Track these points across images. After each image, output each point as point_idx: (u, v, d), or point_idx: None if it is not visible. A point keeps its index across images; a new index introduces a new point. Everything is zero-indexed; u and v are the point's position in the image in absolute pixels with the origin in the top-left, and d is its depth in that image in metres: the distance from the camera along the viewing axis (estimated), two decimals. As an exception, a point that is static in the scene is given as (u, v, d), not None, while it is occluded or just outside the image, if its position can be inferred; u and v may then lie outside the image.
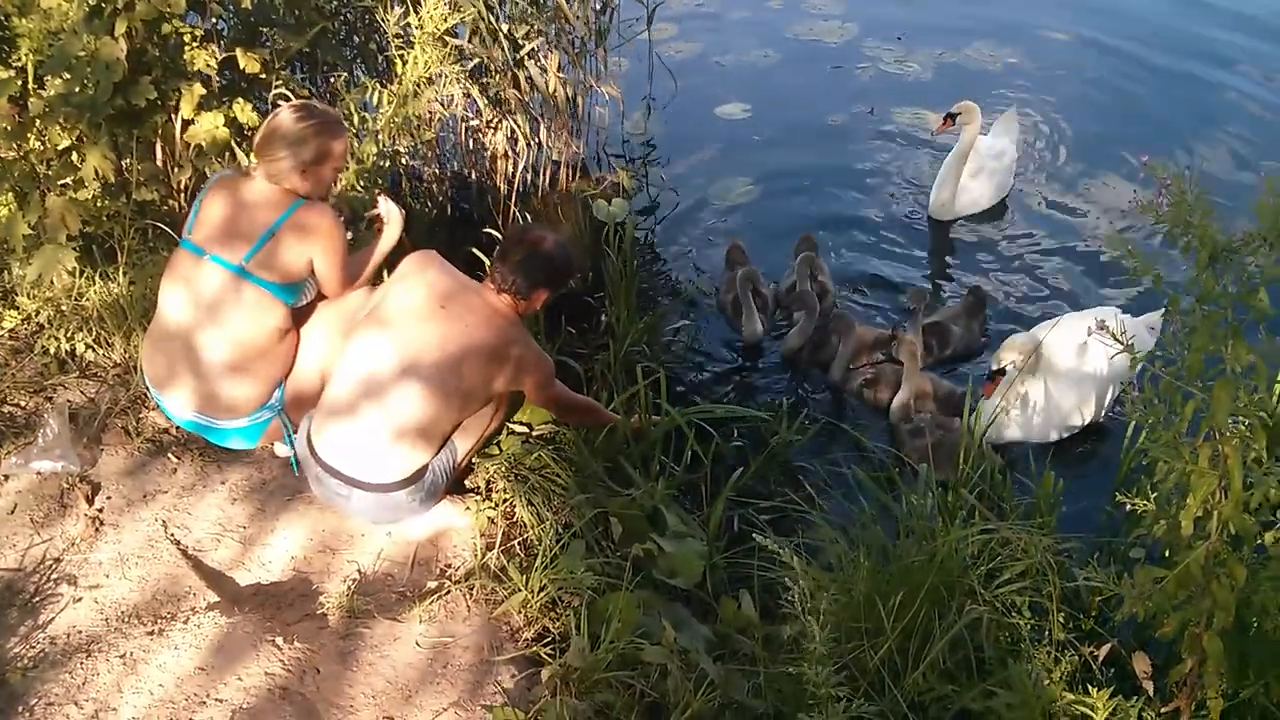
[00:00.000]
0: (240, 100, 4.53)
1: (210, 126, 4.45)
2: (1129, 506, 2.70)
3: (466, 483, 3.76)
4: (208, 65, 4.43)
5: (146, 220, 4.48)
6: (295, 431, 3.61)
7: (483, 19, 5.02)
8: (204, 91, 4.42)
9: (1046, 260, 5.62)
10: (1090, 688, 2.66)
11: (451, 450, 3.51)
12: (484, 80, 5.27)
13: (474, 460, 3.72)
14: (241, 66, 4.54)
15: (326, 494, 3.48)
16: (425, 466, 3.41)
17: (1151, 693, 2.66)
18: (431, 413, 3.33)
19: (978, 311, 5.01)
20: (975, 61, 7.69)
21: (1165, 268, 2.69)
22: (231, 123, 4.51)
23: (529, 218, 5.26)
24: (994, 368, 4.18)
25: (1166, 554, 2.69)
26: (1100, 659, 2.83)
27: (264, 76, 4.72)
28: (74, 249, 4.13)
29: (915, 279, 5.51)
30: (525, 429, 3.91)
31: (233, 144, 4.50)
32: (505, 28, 5.13)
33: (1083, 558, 3.12)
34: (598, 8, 5.62)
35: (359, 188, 4.66)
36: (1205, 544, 2.39)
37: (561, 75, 5.43)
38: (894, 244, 5.79)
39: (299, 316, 3.69)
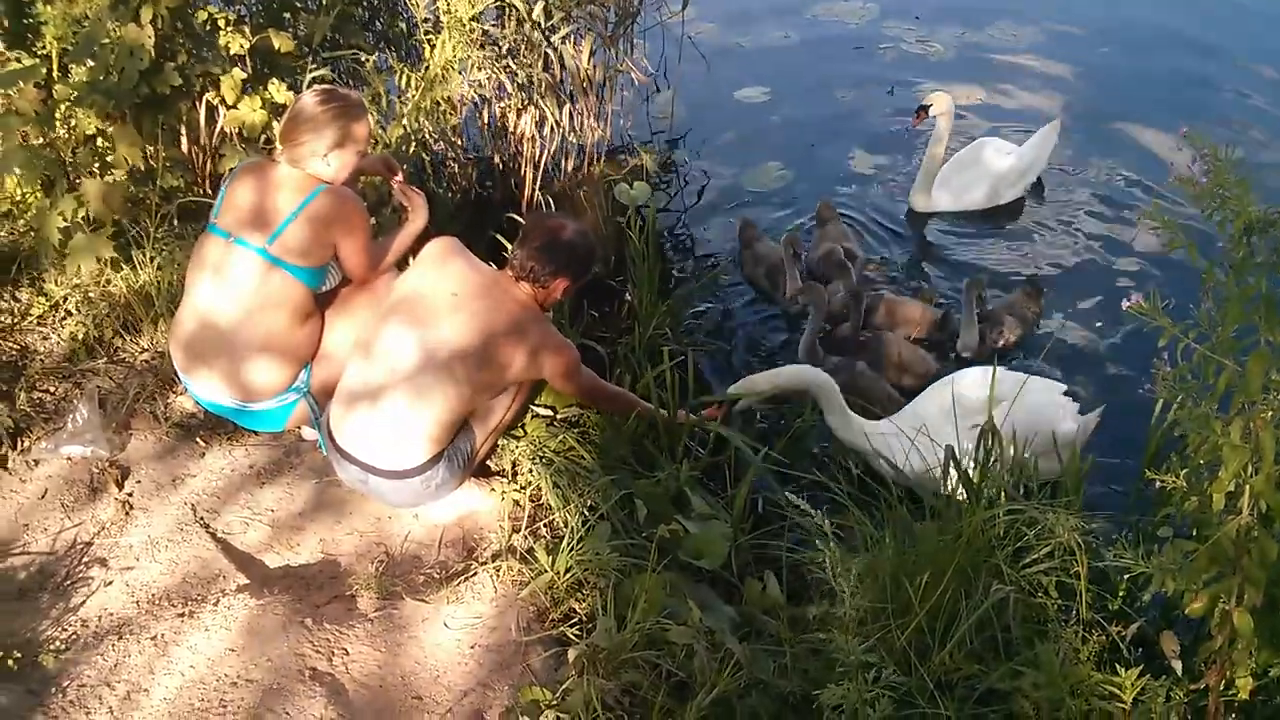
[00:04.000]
0: (274, 81, 4.55)
1: (247, 111, 4.48)
2: (1158, 484, 2.69)
3: (492, 465, 3.77)
4: (242, 48, 4.46)
5: (171, 205, 4.51)
6: (322, 414, 3.63)
7: (514, 5, 5.02)
8: (244, 76, 4.45)
9: (1028, 269, 5.44)
10: (1118, 667, 2.65)
11: (469, 436, 3.52)
12: (513, 62, 5.27)
13: (499, 442, 3.73)
14: (276, 47, 4.57)
15: (348, 479, 3.51)
16: (440, 454, 3.42)
17: (1180, 672, 2.65)
18: (445, 401, 3.35)
19: (1031, 302, 4.98)
20: (997, 41, 7.65)
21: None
22: (268, 104, 4.53)
23: (552, 201, 5.27)
24: (731, 391, 4.07)
25: (1195, 532, 2.67)
26: (1128, 639, 2.82)
27: (297, 61, 4.76)
28: (109, 236, 4.16)
29: (901, 264, 5.53)
30: (549, 412, 3.91)
31: (273, 124, 4.51)
32: (538, 8, 5.12)
33: (1110, 537, 3.10)
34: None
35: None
36: (1236, 519, 2.37)
37: (592, 59, 5.43)
38: (887, 229, 5.79)
39: (325, 300, 3.71)
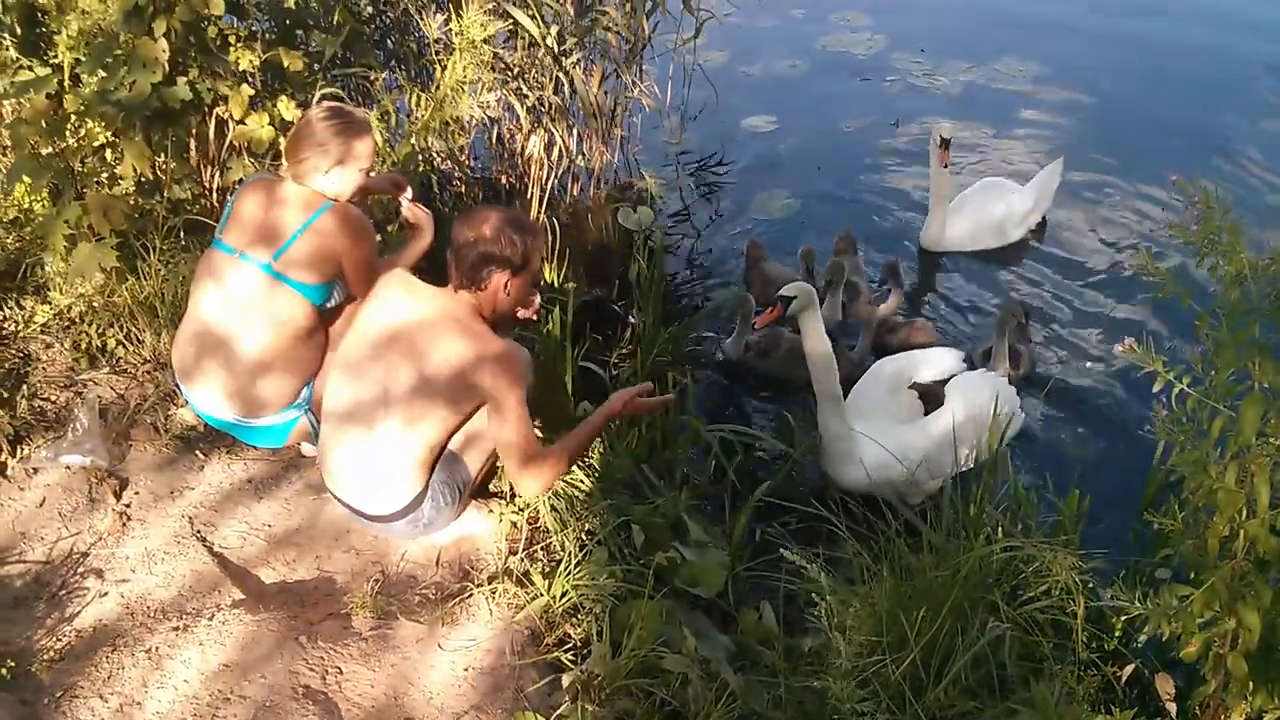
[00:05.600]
0: (284, 98, 4.57)
1: (255, 126, 4.50)
2: (1156, 526, 2.69)
3: (491, 486, 3.76)
4: (251, 64, 4.49)
5: (179, 218, 4.52)
6: (322, 432, 3.63)
7: (524, 29, 5.05)
8: (252, 92, 4.47)
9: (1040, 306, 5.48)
10: (1113, 708, 2.65)
11: (459, 468, 3.42)
12: (523, 85, 5.29)
13: (498, 464, 3.71)
14: (285, 65, 4.59)
15: (343, 514, 3.52)
16: (421, 494, 3.33)
17: (1175, 714, 2.65)
18: (406, 443, 3.25)
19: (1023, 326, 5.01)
20: (1003, 75, 7.70)
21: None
22: (277, 120, 4.55)
23: (556, 223, 5.27)
24: (783, 292, 4.00)
25: (1193, 575, 2.68)
26: (1124, 680, 2.82)
27: (308, 78, 4.78)
28: (113, 246, 4.17)
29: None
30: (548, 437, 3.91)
31: (280, 140, 4.53)
32: (554, 32, 5.15)
33: (1108, 577, 3.11)
34: (646, 10, 5.64)
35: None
36: (1231, 563, 2.38)
37: (603, 85, 5.46)
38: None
39: (328, 317, 3.71)
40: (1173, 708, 2.64)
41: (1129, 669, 2.81)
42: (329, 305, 3.67)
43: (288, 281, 3.49)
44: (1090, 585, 3.01)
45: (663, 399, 3.63)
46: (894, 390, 4.22)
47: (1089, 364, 5.03)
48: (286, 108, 4.53)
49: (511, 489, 3.72)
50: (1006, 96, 7.41)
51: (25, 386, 4.03)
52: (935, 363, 4.31)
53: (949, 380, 4.22)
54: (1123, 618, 3.02)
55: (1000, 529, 3.33)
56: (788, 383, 4.82)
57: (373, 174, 3.76)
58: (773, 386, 4.89)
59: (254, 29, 4.98)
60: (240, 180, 4.50)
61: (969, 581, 3.03)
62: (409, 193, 4.03)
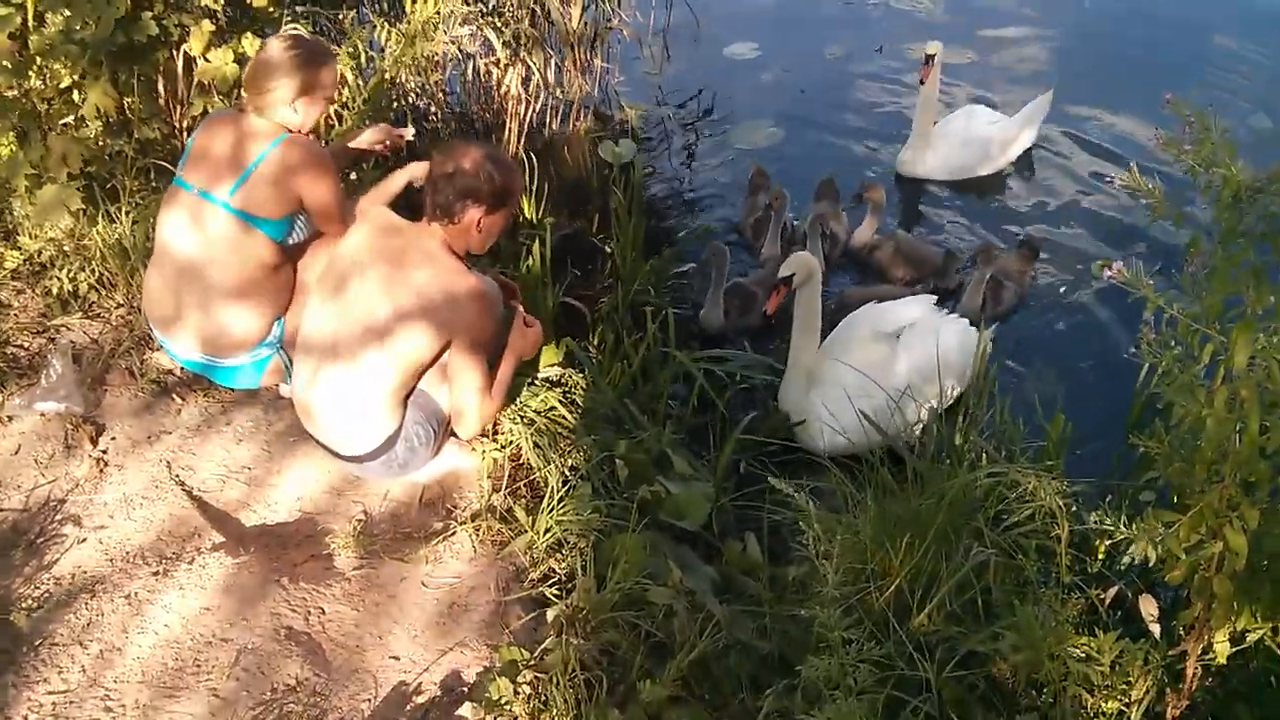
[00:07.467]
0: (249, 35, 4.46)
1: (220, 63, 4.39)
2: (1140, 449, 2.67)
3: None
4: (215, 1, 4.37)
5: (148, 159, 4.43)
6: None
7: None
8: (213, 28, 4.35)
9: (1015, 235, 5.35)
10: (1097, 630, 2.64)
11: (433, 406, 3.36)
12: (498, 19, 5.18)
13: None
14: (249, 0, 4.47)
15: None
16: (395, 433, 3.28)
17: (1158, 636, 2.65)
18: (380, 378, 3.20)
19: (1025, 264, 4.95)
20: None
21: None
22: (241, 58, 4.44)
23: (535, 158, 5.18)
24: (782, 274, 3.91)
25: (1176, 498, 2.66)
26: (1107, 602, 2.82)
27: (273, 12, 4.66)
28: (78, 189, 4.08)
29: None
30: (530, 372, 3.87)
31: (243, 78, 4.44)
32: None
33: (1092, 501, 3.09)
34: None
35: (365, 125, 4.61)
36: (1220, 488, 2.36)
37: (583, 16, 5.35)
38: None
39: (294, 253, 3.63)
40: (1156, 629, 2.63)
41: (1112, 591, 2.80)
42: (291, 241, 3.59)
43: (245, 217, 3.41)
44: (1074, 509, 2.99)
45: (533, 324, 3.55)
46: (865, 343, 4.04)
47: (1068, 290, 4.99)
48: (251, 44, 4.42)
49: (494, 426, 3.68)
50: (992, 21, 7.29)
51: (-3, 333, 3.97)
52: (906, 313, 4.15)
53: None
54: (1106, 541, 3.01)
55: (985, 455, 3.31)
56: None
57: (331, 102, 3.66)
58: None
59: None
60: (203, 114, 4.41)
61: (953, 508, 3.01)
62: (409, 131, 3.92)
